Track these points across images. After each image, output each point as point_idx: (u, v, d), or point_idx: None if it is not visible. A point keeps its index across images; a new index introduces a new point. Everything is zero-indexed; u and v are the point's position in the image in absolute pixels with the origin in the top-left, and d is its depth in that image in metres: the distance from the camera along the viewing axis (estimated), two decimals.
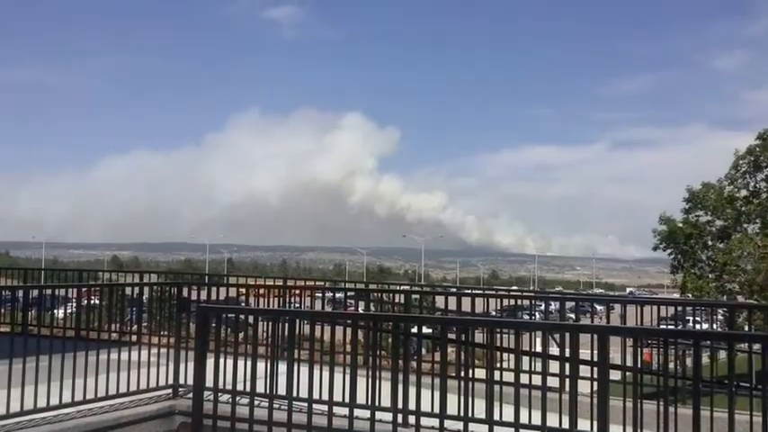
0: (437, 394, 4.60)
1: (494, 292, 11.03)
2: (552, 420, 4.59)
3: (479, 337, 8.34)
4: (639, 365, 7.09)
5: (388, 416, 4.59)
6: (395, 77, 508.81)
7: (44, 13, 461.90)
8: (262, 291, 10.71)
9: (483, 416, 4.91)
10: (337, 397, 4.68)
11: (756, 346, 7.42)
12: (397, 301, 10.42)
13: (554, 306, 10.40)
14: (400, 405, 4.42)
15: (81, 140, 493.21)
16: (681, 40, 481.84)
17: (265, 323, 7.13)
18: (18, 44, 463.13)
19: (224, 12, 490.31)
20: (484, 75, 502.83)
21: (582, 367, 4.91)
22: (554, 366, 6.38)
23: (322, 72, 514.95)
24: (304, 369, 4.91)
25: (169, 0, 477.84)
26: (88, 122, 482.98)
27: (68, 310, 9.83)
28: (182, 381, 7.90)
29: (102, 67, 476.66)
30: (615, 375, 6.55)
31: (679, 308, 9.80)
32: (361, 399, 5.19)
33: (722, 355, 8.74)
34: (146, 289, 8.90)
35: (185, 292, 8.79)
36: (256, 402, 4.77)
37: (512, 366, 5.61)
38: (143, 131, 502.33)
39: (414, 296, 10.77)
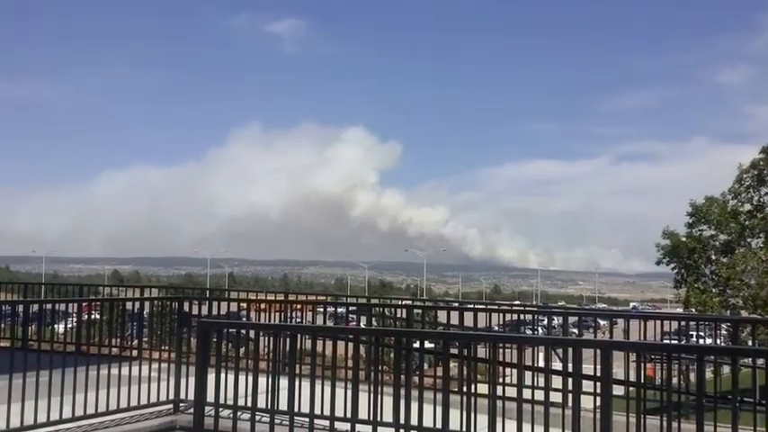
0: (439, 409, 4.57)
1: (496, 307, 11.01)
2: None
3: (482, 351, 8.33)
4: (643, 380, 7.07)
5: (390, 431, 4.57)
6: (397, 91, 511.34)
7: (43, 28, 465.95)
8: (263, 305, 10.68)
9: (486, 431, 4.88)
10: (339, 412, 4.67)
11: (760, 361, 7.39)
12: (398, 315, 10.40)
13: (557, 321, 10.37)
14: (402, 420, 4.39)
15: (81, 155, 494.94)
16: (684, 54, 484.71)
17: (266, 338, 7.12)
18: (17, 59, 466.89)
19: (225, 26, 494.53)
20: (486, 90, 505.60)
21: (585, 382, 4.87)
22: (557, 381, 6.34)
23: (324, 86, 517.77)
24: (305, 384, 4.90)
25: (169, 14, 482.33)
26: (88, 137, 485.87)
27: (69, 325, 9.82)
28: (183, 396, 7.87)
29: (102, 81, 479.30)
30: (618, 390, 6.50)
31: (682, 322, 9.77)
32: (362, 414, 5.17)
33: (726, 370, 8.70)
34: (146, 304, 8.92)
35: (186, 306, 8.78)
36: (257, 418, 4.75)
37: (514, 381, 5.57)
38: (143, 146, 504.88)
39: (416, 311, 10.74)
